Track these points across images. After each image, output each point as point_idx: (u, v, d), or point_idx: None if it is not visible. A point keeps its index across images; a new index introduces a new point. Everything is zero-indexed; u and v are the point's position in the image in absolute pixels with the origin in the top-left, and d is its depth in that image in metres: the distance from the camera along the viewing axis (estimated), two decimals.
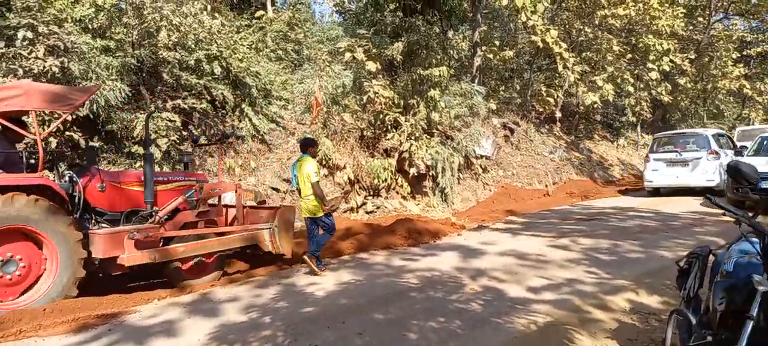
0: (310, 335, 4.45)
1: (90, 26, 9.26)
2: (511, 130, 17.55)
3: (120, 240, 5.67)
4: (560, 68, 16.55)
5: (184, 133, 10.42)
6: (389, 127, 12.77)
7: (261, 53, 14.00)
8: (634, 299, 5.27)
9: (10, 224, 5.05)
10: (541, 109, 19.71)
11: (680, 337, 2.98)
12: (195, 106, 10.53)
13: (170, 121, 9.77)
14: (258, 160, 11.29)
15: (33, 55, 8.15)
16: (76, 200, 5.74)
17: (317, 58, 14.44)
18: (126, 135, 9.37)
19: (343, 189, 11.62)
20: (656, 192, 13.81)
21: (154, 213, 6.14)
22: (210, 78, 10.95)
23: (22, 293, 5.29)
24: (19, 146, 6.28)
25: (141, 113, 9.55)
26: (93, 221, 5.92)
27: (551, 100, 18.90)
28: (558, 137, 19.86)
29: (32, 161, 5.85)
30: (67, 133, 8.66)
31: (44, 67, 8.13)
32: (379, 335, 4.44)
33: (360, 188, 11.99)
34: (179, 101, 10.31)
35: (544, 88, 19.48)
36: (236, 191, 6.97)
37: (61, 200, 5.47)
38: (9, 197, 5.02)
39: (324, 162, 11.61)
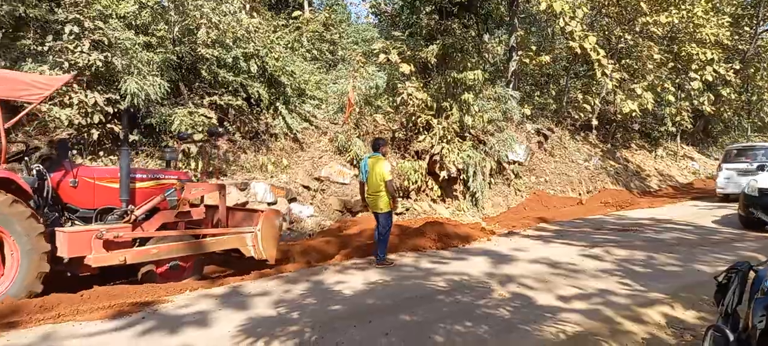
0: (337, 332, 4.47)
1: (133, 22, 9.54)
2: (545, 137, 17.30)
3: (88, 239, 5.42)
4: (598, 75, 16.23)
5: (220, 129, 10.62)
6: (421, 129, 12.75)
7: (296, 53, 14.18)
8: (669, 312, 5.12)
9: None
10: (576, 116, 19.37)
11: None
12: (231, 103, 10.73)
13: (206, 117, 9.98)
14: (290, 158, 11.43)
15: (78, 49, 8.44)
16: (45, 194, 5.48)
17: (351, 59, 14.52)
18: (164, 129, 9.62)
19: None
20: (726, 198, 14.82)
21: (129, 212, 5.82)
22: (246, 76, 11.14)
23: None
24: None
25: (179, 108, 9.79)
26: (64, 217, 5.66)
27: (588, 107, 18.53)
28: (593, 145, 19.47)
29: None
30: (108, 125, 8.94)
31: (89, 61, 8.41)
32: (405, 336, 4.43)
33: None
34: (216, 98, 10.53)
35: (580, 95, 19.13)
36: (220, 193, 6.69)
37: (26, 195, 5.16)
38: None
39: (354, 162, 11.66)
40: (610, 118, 21.02)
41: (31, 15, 8.93)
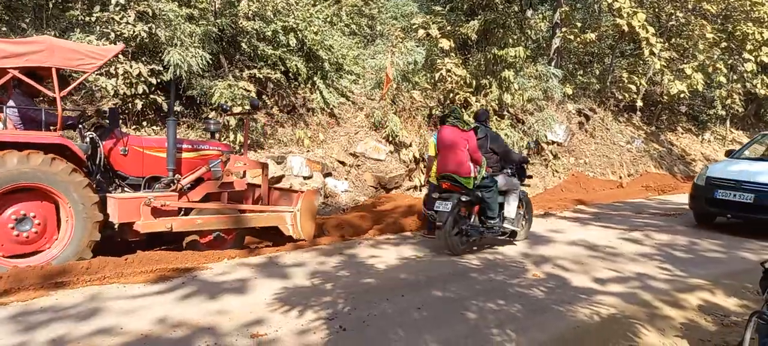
0: (369, 305, 4.52)
1: None
2: (587, 117, 16.85)
3: (137, 206, 5.63)
4: (646, 54, 15.64)
5: (259, 102, 10.74)
6: (459, 106, 12.60)
7: (335, 27, 14.15)
8: (710, 299, 4.98)
9: (26, 182, 5.04)
10: (620, 97, 18.75)
11: (760, 341, 2.79)
12: (269, 76, 10.82)
13: (246, 90, 10.11)
14: (327, 133, 11.50)
15: (124, 20, 8.64)
16: (97, 162, 5.70)
17: (390, 34, 14.41)
18: (204, 101, 9.80)
19: (407, 167, 11.63)
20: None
21: (175, 181, 6.03)
22: (285, 49, 11.20)
23: (35, 253, 5.30)
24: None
25: (219, 81, 9.94)
26: (115, 184, 5.89)
27: (633, 87, 17.91)
28: (637, 127, 18.87)
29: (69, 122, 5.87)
30: (152, 96, 9.17)
31: (134, 32, 8.61)
32: (437, 311, 4.45)
33: (425, 166, 11.95)
34: (255, 71, 10.64)
35: (625, 75, 18.48)
36: (263, 171, 6.79)
37: (80, 161, 5.40)
38: (25, 154, 4.98)
39: (390, 138, 11.65)
40: (656, 100, 20.28)
41: None
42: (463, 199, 6.29)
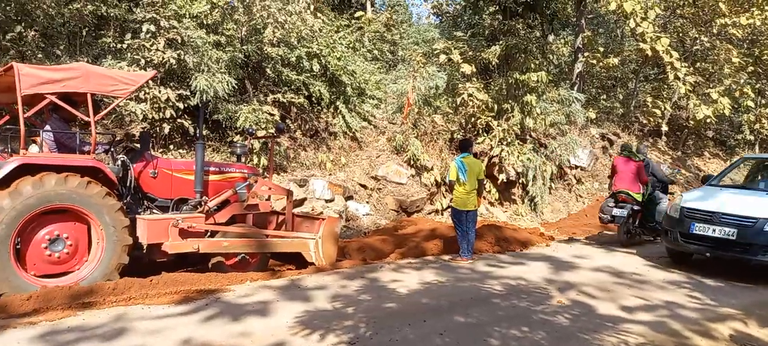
0: (391, 329, 4.50)
1: (204, 22, 9.94)
2: (611, 142, 16.65)
3: (166, 227, 5.75)
4: (670, 78, 15.45)
5: (284, 125, 10.89)
6: (480, 131, 12.59)
7: (358, 53, 14.34)
8: (742, 329, 4.83)
9: (61, 203, 5.15)
10: (645, 122, 18.53)
11: None
12: (293, 100, 10.99)
13: (270, 114, 10.27)
14: (348, 157, 11.58)
15: (154, 47, 8.90)
16: (128, 184, 5.83)
17: (412, 59, 14.54)
18: (229, 125, 9.98)
19: (428, 190, 11.62)
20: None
21: (202, 203, 6.14)
22: (309, 75, 11.38)
23: (65, 274, 5.37)
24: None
25: (244, 105, 10.13)
26: (144, 206, 6.02)
27: (657, 112, 17.69)
28: (663, 152, 18.58)
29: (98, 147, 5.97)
30: (179, 120, 9.38)
31: (163, 58, 8.85)
32: (459, 337, 4.40)
33: (446, 190, 11.92)
34: (279, 95, 10.82)
35: (650, 99, 18.28)
36: (288, 197, 6.89)
37: (112, 184, 5.52)
38: (62, 177, 5.10)
39: (411, 162, 11.67)
40: (682, 125, 19.98)
41: (111, 14, 9.51)
42: (635, 208, 9.00)
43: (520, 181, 12.42)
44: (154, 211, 6.06)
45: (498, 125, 12.24)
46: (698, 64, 18.26)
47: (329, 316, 4.83)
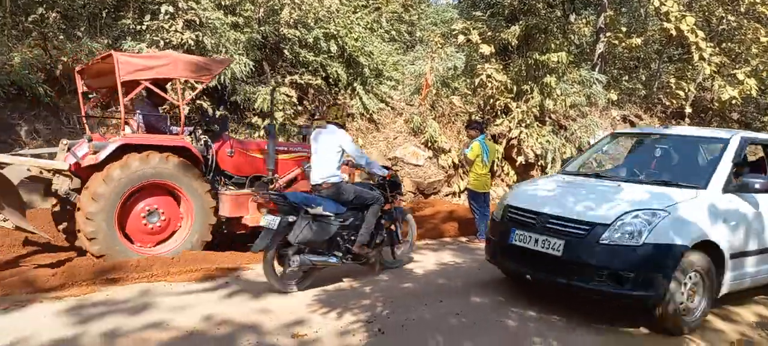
0: (408, 309, 4.53)
1: (222, 3, 9.96)
2: (632, 124, 16.40)
3: (245, 202, 6.15)
4: (695, 59, 15.11)
5: (299, 107, 10.93)
6: (499, 112, 12.48)
7: (375, 33, 14.25)
8: (765, 313, 4.76)
9: (157, 180, 5.62)
10: (668, 103, 18.17)
11: None
12: (310, 82, 11.00)
13: (287, 96, 10.30)
14: (365, 138, 11.58)
15: (173, 28, 8.95)
16: (210, 162, 6.23)
17: (430, 40, 14.41)
18: (248, 106, 10.03)
19: (446, 172, 11.59)
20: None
21: (274, 180, 6.52)
22: (326, 56, 11.36)
23: (158, 244, 5.85)
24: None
25: (262, 87, 10.16)
26: (222, 182, 6.41)
27: (681, 93, 17.32)
28: None
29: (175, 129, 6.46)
30: (198, 101, 9.45)
31: (182, 39, 8.90)
32: (475, 317, 4.42)
33: (464, 172, 11.88)
34: (296, 77, 10.83)
35: (673, 80, 17.90)
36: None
37: (197, 162, 5.96)
38: (164, 156, 5.60)
39: (429, 144, 11.63)
40: (706, 106, 19.57)
41: None
42: None
43: (539, 163, 12.30)
44: (230, 187, 6.43)
45: (517, 107, 12.11)
46: (724, 44, 17.80)
47: (347, 295, 4.89)
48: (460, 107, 12.93)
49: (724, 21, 17.28)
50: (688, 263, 4.12)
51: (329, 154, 5.28)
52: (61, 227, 6.22)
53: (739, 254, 4.52)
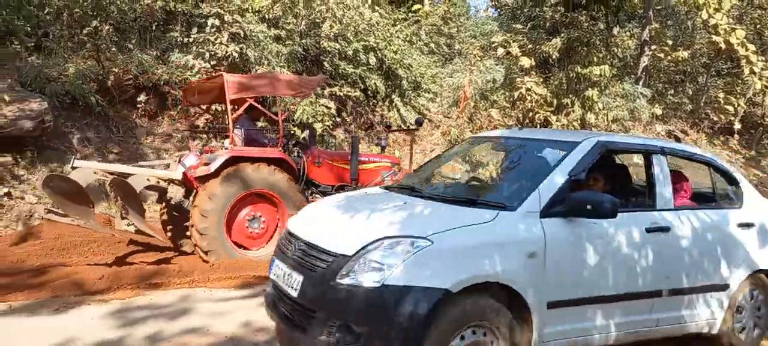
0: None
1: (266, 16, 10.22)
2: (678, 139, 15.89)
3: None
4: (746, 73, 14.56)
5: (338, 119, 11.05)
6: (539, 126, 12.31)
7: (414, 46, 14.32)
8: None
9: (260, 189, 6.08)
10: (716, 119, 17.56)
11: None
12: (349, 94, 11.12)
13: (327, 107, 10.44)
14: (402, 150, 11.60)
15: (218, 40, 9.22)
16: (300, 173, 6.61)
17: (469, 52, 14.38)
18: (287, 118, 10.21)
19: None
20: None
21: (357, 188, 6.81)
22: (365, 68, 11.48)
23: (259, 248, 6.27)
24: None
25: (300, 98, 10.33)
26: (309, 191, 6.76)
27: (730, 108, 16.71)
28: (735, 151, 17.54)
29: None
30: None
31: (226, 52, 9.16)
32: None
33: None
34: (336, 89, 10.97)
35: (722, 95, 17.29)
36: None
37: (293, 172, 6.40)
38: (272, 168, 6.09)
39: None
40: (757, 122, 18.82)
41: (179, 9, 9.93)
42: None
43: None
44: (317, 195, 6.76)
45: (557, 120, 11.93)
46: None
47: None
48: (499, 120, 12.82)
49: None
50: (458, 313, 2.85)
51: None
52: (168, 230, 6.83)
53: (564, 303, 3.21)
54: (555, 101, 12.26)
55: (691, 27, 18.59)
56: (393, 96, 12.02)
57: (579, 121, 12.02)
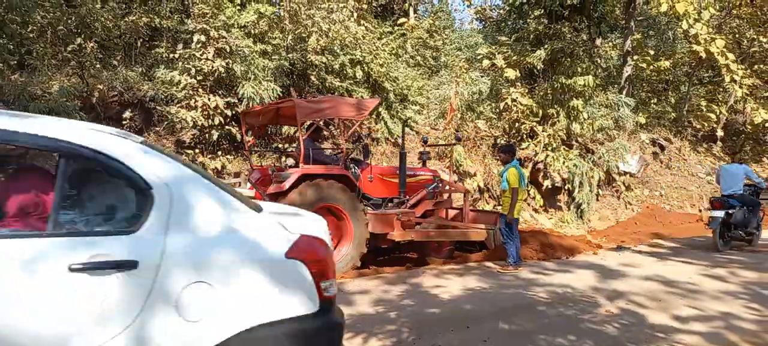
0: (434, 334, 4.48)
1: (252, 31, 10.22)
2: (662, 147, 16.10)
3: (391, 220, 7.10)
4: (726, 81, 14.84)
5: (325, 133, 11.04)
6: (525, 136, 12.42)
7: (400, 59, 14.42)
8: None
9: (327, 203, 6.54)
10: (699, 126, 17.83)
11: None
12: None
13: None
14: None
15: (204, 56, 9.21)
16: (357, 187, 7.02)
17: (455, 64, 14.50)
18: (275, 131, 10.20)
19: (471, 196, 11.51)
20: None
21: (405, 201, 7.41)
22: (352, 81, 11.52)
23: None
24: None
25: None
26: (363, 204, 7.09)
27: (712, 116, 16.99)
28: (718, 158, 17.80)
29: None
30: (226, 127, 9.65)
31: (213, 67, 9.15)
32: (503, 344, 4.35)
33: (490, 196, 11.80)
34: None
35: (704, 103, 17.58)
36: (465, 195, 8.11)
37: (354, 187, 6.84)
38: (341, 186, 6.59)
39: (454, 168, 11.60)
40: (739, 129, 19.14)
41: (164, 26, 9.91)
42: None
43: (566, 187, 12.16)
44: (369, 208, 7.21)
45: (543, 130, 12.04)
46: (756, 66, 17.45)
47: (372, 320, 4.86)
48: (485, 131, 12.91)
49: (756, 43, 16.97)
50: None
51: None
52: None
53: None
54: (540, 112, 12.37)
55: (672, 37, 18.94)
56: (380, 109, 12.06)
57: (564, 131, 12.15)
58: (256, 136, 8.53)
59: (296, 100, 6.49)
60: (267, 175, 7.08)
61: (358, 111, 6.97)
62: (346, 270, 6.58)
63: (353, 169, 7.21)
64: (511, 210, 7.22)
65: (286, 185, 6.32)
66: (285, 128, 9.68)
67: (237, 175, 8.21)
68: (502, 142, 12.68)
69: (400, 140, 12.10)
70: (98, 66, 9.46)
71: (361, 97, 11.48)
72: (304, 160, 6.70)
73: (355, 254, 6.70)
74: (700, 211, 14.57)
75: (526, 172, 11.89)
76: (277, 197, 6.31)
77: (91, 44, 9.35)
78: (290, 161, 7.14)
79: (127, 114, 9.24)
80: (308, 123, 6.78)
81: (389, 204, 7.45)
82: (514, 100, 12.01)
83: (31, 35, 9.36)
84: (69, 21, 9.35)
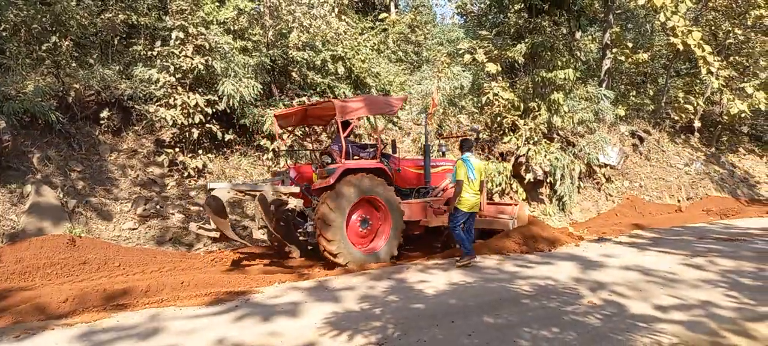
0: (419, 330, 4.49)
1: (232, 28, 10.10)
2: (641, 139, 16.33)
3: (423, 208, 7.67)
4: (703, 73, 15.08)
5: (308, 129, 10.98)
6: (507, 130, 12.49)
7: (382, 54, 14.39)
8: None
9: (368, 195, 7.02)
10: (677, 118, 18.11)
11: None
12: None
13: None
14: None
15: (183, 53, 9.08)
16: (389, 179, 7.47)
17: (436, 59, 14.51)
18: (256, 129, 10.10)
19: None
20: None
21: (430, 190, 7.95)
22: (333, 77, 11.45)
23: (367, 245, 7.20)
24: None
25: (271, 109, 10.24)
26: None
27: (690, 107, 17.27)
28: (695, 149, 18.12)
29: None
30: (207, 125, 9.53)
31: (192, 64, 9.02)
32: (488, 338, 4.37)
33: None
34: (305, 99, 10.91)
35: (681, 95, 17.86)
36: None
37: (389, 179, 7.36)
38: (381, 181, 7.10)
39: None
40: (716, 120, 19.49)
41: (142, 23, 9.74)
42: None
43: (548, 180, 12.26)
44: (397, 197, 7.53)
45: (524, 124, 12.12)
46: (732, 58, 17.78)
47: (357, 317, 4.85)
48: (468, 126, 12.95)
49: (731, 35, 17.27)
50: None
51: None
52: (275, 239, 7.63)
53: None
54: (522, 105, 12.45)
55: (650, 30, 19.19)
56: None
57: (545, 125, 12.24)
58: (289, 135, 9.02)
59: (335, 101, 7.00)
60: (303, 172, 7.65)
61: (389, 108, 7.43)
62: (387, 260, 7.09)
63: (385, 163, 7.63)
64: (452, 202, 7.18)
65: (332, 180, 6.84)
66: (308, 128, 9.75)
67: (275, 174, 8.20)
68: (485, 136, 12.75)
69: (382, 136, 12.15)
70: (74, 65, 9.27)
71: (343, 94, 11.44)
72: (345, 156, 7.21)
73: (394, 243, 7.21)
74: (679, 201, 14.81)
75: (509, 166, 11.97)
76: (321, 192, 6.89)
77: (67, 42, 9.15)
78: (326, 158, 7.69)
79: (104, 114, 9.08)
80: (345, 121, 7.14)
81: (415, 194, 7.96)
82: (495, 95, 12.07)
83: (4, 34, 9.14)
84: (43, 19, 9.14)
